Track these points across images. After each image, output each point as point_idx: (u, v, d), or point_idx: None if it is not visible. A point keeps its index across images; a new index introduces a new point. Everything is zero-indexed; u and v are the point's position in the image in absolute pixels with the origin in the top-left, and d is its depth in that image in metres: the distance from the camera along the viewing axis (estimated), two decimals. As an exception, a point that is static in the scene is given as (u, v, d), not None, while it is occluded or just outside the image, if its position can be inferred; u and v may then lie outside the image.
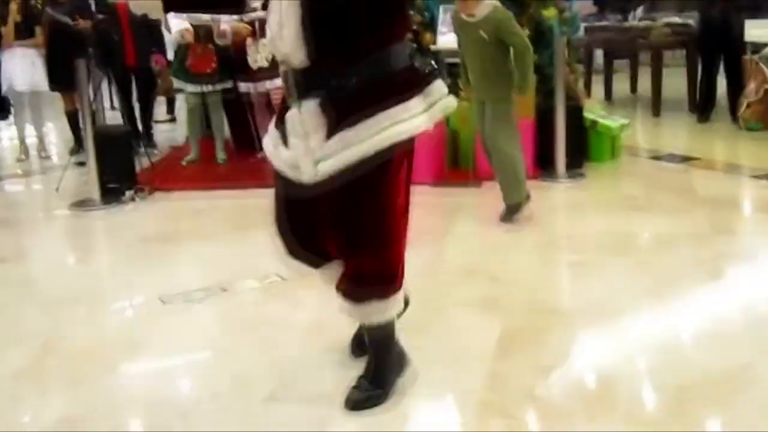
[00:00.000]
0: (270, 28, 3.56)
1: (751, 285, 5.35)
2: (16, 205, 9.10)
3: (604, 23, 14.28)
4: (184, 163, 9.87)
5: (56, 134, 12.80)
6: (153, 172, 9.47)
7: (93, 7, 11.39)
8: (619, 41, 13.48)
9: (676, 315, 4.87)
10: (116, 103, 12.81)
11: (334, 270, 3.92)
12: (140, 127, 11.38)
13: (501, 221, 6.85)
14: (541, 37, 8.55)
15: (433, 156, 8.05)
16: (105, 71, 10.98)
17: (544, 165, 8.40)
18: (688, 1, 13.40)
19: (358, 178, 3.50)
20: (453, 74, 7.84)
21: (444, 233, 6.72)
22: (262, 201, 7.81)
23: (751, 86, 10.54)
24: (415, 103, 3.55)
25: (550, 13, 8.81)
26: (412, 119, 3.52)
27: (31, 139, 11.48)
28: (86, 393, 4.21)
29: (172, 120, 14.04)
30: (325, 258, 3.96)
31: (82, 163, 9.17)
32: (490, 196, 7.18)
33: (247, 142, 10.00)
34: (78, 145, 10.46)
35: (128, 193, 8.39)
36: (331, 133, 3.47)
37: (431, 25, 9.30)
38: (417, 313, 4.44)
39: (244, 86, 9.43)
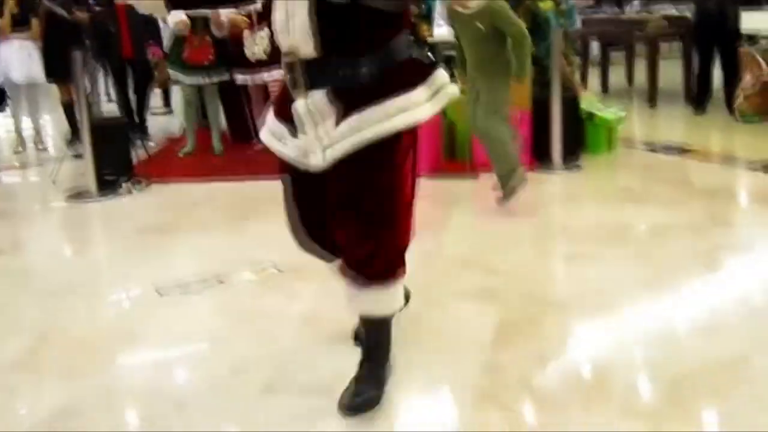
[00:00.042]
0: (276, 21, 3.55)
1: (747, 276, 5.36)
2: (12, 197, 9.10)
3: (600, 15, 14.26)
4: (180, 155, 9.87)
5: (53, 125, 12.78)
6: (149, 163, 9.48)
7: (90, -1, 11.39)
8: (615, 33, 13.49)
9: (673, 306, 4.88)
10: (113, 95, 12.79)
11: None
12: (136, 118, 11.37)
13: (497, 203, 6.86)
14: (538, 29, 8.55)
15: (430, 147, 8.05)
16: (101, 62, 10.98)
17: (540, 156, 8.40)
18: (684, -8, 13.41)
19: (366, 163, 3.53)
20: (450, 66, 7.83)
21: (440, 224, 6.72)
22: (258, 192, 7.91)
23: (747, 78, 10.54)
24: (420, 92, 3.57)
25: (546, 5, 8.80)
26: (417, 107, 3.55)
27: (28, 131, 11.47)
28: (83, 384, 4.22)
29: (168, 111, 14.03)
30: (336, 253, 3.96)
31: (78, 155, 9.16)
32: (486, 187, 7.17)
33: (243, 133, 10.02)
34: (74, 137, 10.45)
35: (125, 185, 8.40)
36: (339, 121, 3.49)
37: (428, 17, 9.31)
38: (414, 303, 4.45)
39: (241, 78, 9.43)
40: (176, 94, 12.67)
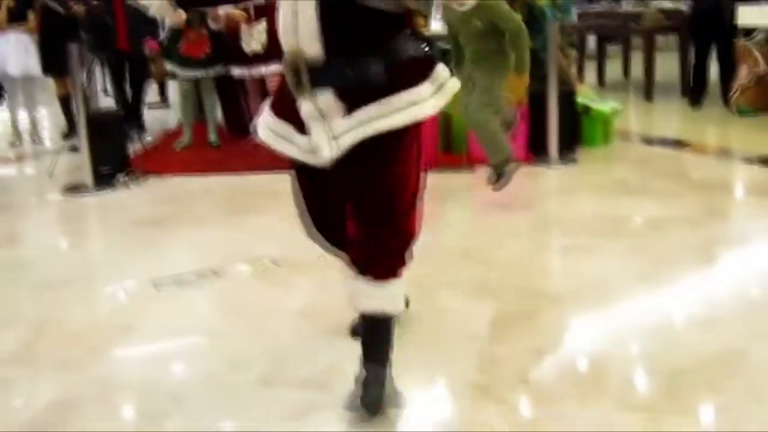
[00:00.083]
0: (281, 22, 3.53)
1: (744, 269, 5.37)
2: (8, 190, 9.08)
3: (597, 8, 14.27)
4: (177, 148, 9.87)
5: (49, 119, 12.77)
6: (146, 156, 9.48)
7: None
8: (611, 26, 13.50)
9: (669, 299, 4.88)
10: (109, 88, 12.78)
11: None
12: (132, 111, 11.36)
13: (489, 184, 6.86)
14: (534, 22, 8.54)
15: (426, 140, 8.03)
16: (98, 56, 10.96)
17: (536, 150, 8.40)
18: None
19: (373, 159, 3.53)
20: (446, 59, 7.83)
21: (436, 218, 6.71)
22: (255, 185, 7.91)
23: (743, 71, 10.55)
24: (426, 87, 3.57)
25: (542, -2, 8.82)
26: (425, 102, 3.56)
27: (24, 124, 11.46)
28: (79, 377, 4.22)
29: (165, 105, 14.01)
30: (343, 248, 3.96)
31: (75, 148, 9.15)
32: (482, 180, 7.17)
33: (240, 126, 10.00)
34: (71, 130, 10.44)
35: (121, 178, 8.38)
36: (348, 113, 3.49)
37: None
38: (409, 297, 4.45)
39: (238, 71, 9.43)
40: (173, 88, 12.65)
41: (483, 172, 7.06)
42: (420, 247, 3.83)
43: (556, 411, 3.69)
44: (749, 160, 8.17)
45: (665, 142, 9.20)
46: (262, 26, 8.92)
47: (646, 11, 12.60)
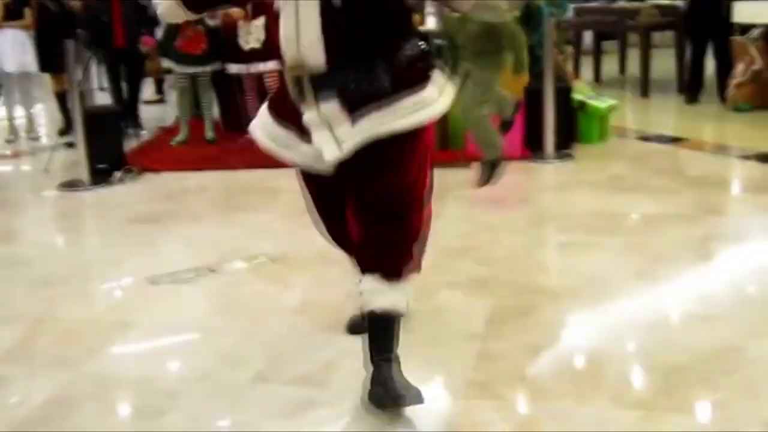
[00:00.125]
0: (283, 34, 3.51)
1: (740, 265, 5.37)
2: (4, 186, 9.08)
3: (593, 4, 14.26)
4: (173, 144, 9.86)
5: (45, 115, 12.76)
6: (142, 152, 9.47)
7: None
8: (608, 22, 13.48)
9: (665, 296, 4.89)
10: (105, 84, 12.77)
11: None
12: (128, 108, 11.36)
13: (477, 183, 6.86)
14: (530, 19, 8.53)
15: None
16: (94, 52, 10.96)
17: (532, 146, 8.40)
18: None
19: (384, 162, 3.55)
20: (441, 54, 7.83)
21: (433, 214, 6.70)
22: (251, 182, 7.91)
23: (739, 67, 10.56)
24: (430, 90, 3.59)
25: (538, -6, 8.81)
26: (433, 103, 3.60)
27: (21, 121, 11.46)
28: (75, 374, 4.22)
29: (161, 101, 14.01)
30: (351, 247, 3.99)
31: (71, 144, 9.15)
32: (475, 178, 7.16)
33: (236, 123, 9.99)
34: (67, 126, 10.44)
35: (117, 174, 8.38)
36: (354, 122, 3.49)
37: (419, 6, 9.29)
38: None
39: (235, 68, 9.44)
40: (170, 84, 12.64)
41: (474, 170, 7.02)
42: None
43: (552, 408, 3.69)
44: (746, 157, 8.16)
45: (661, 139, 9.20)
46: (260, 22, 8.92)
47: (642, 7, 12.59)
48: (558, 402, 3.73)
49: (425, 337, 4.35)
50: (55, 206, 7.92)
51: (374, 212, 3.64)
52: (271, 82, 9.02)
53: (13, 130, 11.26)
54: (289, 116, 3.65)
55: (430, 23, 9.34)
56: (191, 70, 9.64)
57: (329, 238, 4.14)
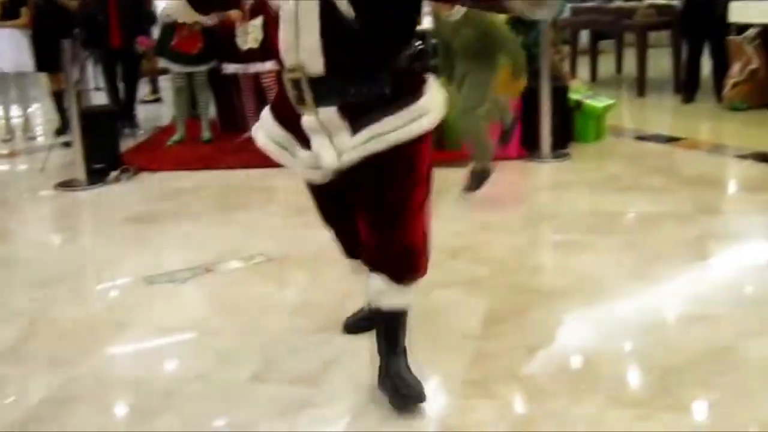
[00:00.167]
0: (282, 40, 3.50)
1: (735, 265, 5.37)
2: (1, 185, 9.07)
3: (590, 4, 14.27)
4: (169, 143, 9.87)
5: (42, 115, 12.76)
6: (138, 152, 9.48)
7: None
8: (604, 22, 13.49)
9: (661, 295, 4.89)
10: (101, 84, 12.77)
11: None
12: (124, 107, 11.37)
13: (465, 189, 6.86)
14: (527, 18, 8.53)
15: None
16: (91, 52, 10.96)
17: (529, 145, 8.40)
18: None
19: (387, 170, 3.55)
20: (438, 55, 7.83)
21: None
22: (247, 181, 7.91)
23: (736, 67, 10.56)
24: (426, 99, 3.59)
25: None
26: (429, 113, 3.59)
27: (17, 120, 11.45)
28: (70, 374, 4.22)
29: (157, 100, 14.01)
30: (357, 249, 4.00)
31: (67, 144, 9.15)
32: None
33: (233, 123, 10.00)
34: (63, 126, 10.44)
35: (113, 173, 8.37)
36: (354, 131, 3.49)
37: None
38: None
39: (232, 67, 9.43)
40: (166, 83, 12.64)
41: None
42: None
43: (548, 407, 3.69)
44: (742, 156, 8.16)
45: (658, 138, 9.20)
46: (258, 22, 8.91)
47: (639, 7, 12.60)
48: (554, 401, 3.73)
49: (421, 337, 4.33)
50: (51, 206, 7.91)
51: (378, 219, 3.66)
52: (268, 83, 9.03)
53: (9, 129, 11.26)
54: (289, 119, 3.64)
55: (426, 23, 9.34)
56: (187, 69, 9.65)
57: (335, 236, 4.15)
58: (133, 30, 10.67)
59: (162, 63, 10.08)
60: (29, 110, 11.60)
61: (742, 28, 10.71)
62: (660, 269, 5.28)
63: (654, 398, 3.73)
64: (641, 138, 9.32)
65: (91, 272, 5.94)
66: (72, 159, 8.43)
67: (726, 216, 6.64)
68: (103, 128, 8.64)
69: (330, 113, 3.47)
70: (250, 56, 9.14)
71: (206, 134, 9.94)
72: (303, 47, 3.39)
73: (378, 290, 3.77)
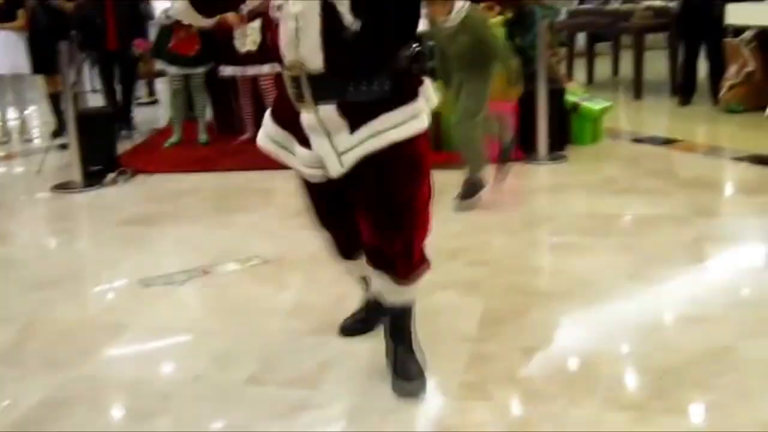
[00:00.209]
0: (283, 38, 3.51)
1: (732, 267, 5.37)
2: (-3, 188, 9.08)
3: (586, 6, 14.28)
4: (166, 145, 9.86)
5: (38, 117, 12.75)
6: (135, 154, 9.47)
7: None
8: (601, 24, 13.50)
9: (658, 297, 4.89)
10: (98, 86, 12.76)
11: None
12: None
13: (457, 199, 6.84)
14: (523, 20, 8.55)
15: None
16: (87, 54, 10.96)
17: (526, 147, 8.39)
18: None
19: (388, 169, 3.56)
20: (433, 59, 7.83)
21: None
22: (244, 183, 7.90)
23: (732, 69, 10.57)
24: (421, 101, 3.62)
25: (531, -4, 8.82)
26: (421, 115, 3.62)
27: (14, 122, 11.45)
28: (67, 376, 4.21)
29: (154, 102, 14.00)
30: (354, 250, 4.04)
31: (64, 146, 9.15)
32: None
33: (229, 125, 10.00)
34: (60, 128, 10.44)
35: (110, 176, 8.37)
36: (353, 129, 3.49)
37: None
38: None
39: (230, 70, 9.42)
40: (163, 85, 12.64)
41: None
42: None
43: (545, 409, 3.69)
44: (738, 158, 8.16)
45: (654, 140, 9.20)
46: (256, 24, 8.91)
47: (635, 9, 12.61)
48: (551, 403, 3.73)
49: (419, 338, 4.34)
50: (48, 208, 7.91)
51: (382, 219, 3.68)
52: (266, 86, 9.04)
53: (6, 131, 11.26)
54: (288, 119, 3.65)
55: (422, 25, 9.34)
56: (184, 71, 9.65)
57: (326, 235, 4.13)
58: (130, 32, 10.67)
59: (159, 65, 10.09)
60: (26, 112, 11.60)
61: (739, 30, 10.73)
62: (657, 271, 5.27)
63: (652, 400, 3.72)
64: (638, 140, 9.32)
65: (88, 274, 5.94)
66: (69, 161, 8.43)
67: (722, 218, 6.64)
68: (99, 130, 8.63)
69: (329, 111, 3.48)
70: (248, 59, 9.14)
71: (203, 137, 9.93)
72: (303, 44, 3.40)
73: (382, 289, 3.85)
